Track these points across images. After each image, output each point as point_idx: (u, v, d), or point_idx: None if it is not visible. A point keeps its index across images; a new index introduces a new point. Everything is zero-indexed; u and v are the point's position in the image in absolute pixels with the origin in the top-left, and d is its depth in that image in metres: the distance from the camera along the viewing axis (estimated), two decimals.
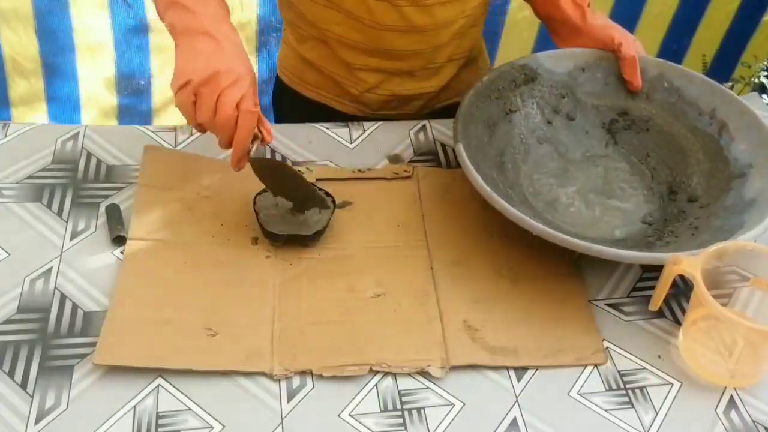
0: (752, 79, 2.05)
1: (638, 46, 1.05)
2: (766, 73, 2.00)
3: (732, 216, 0.89)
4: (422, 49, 1.05)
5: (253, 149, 0.85)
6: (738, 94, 1.05)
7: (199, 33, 0.82)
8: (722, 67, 2.07)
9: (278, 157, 1.01)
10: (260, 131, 0.85)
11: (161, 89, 1.79)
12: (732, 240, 0.82)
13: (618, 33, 1.05)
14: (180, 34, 0.83)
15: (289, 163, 1.00)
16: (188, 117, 0.83)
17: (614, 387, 0.80)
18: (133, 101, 1.79)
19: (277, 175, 0.89)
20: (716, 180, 0.96)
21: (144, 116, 1.81)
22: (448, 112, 1.05)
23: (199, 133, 1.01)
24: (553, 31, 1.13)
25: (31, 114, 1.76)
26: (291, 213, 0.90)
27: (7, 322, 0.79)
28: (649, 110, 1.04)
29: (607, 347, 0.84)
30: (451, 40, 1.07)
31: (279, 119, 1.26)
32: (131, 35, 1.69)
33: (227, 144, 0.84)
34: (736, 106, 0.99)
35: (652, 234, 0.92)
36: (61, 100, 1.75)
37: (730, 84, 2.08)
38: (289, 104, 1.20)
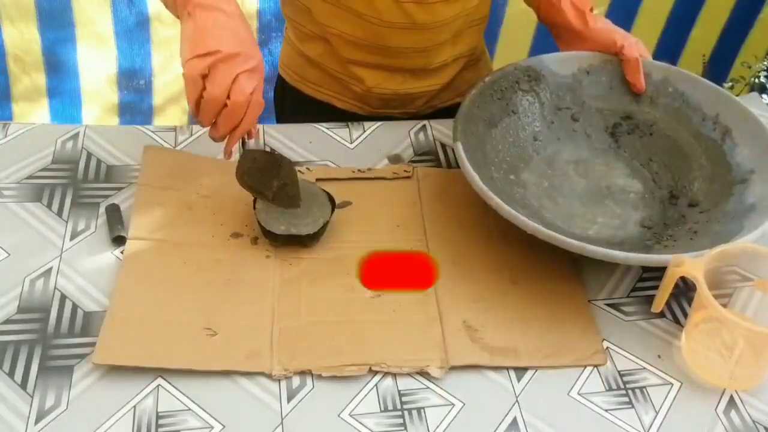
0: (752, 79, 2.04)
1: (642, 49, 1.05)
2: (766, 73, 2.00)
3: (731, 221, 0.89)
4: (422, 47, 1.05)
5: (250, 143, 0.83)
6: (738, 95, 1.05)
7: (214, 9, 0.79)
8: (720, 65, 2.06)
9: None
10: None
11: (163, 87, 1.78)
12: (729, 244, 0.82)
13: (620, 35, 1.04)
14: (196, 6, 0.79)
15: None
16: (192, 91, 0.77)
17: (614, 387, 0.80)
18: (134, 98, 1.79)
19: (268, 170, 0.86)
20: (718, 185, 0.95)
21: (145, 114, 1.81)
22: (449, 112, 1.05)
23: (198, 130, 1.02)
24: (557, 36, 1.13)
25: (33, 110, 1.75)
26: (290, 212, 0.89)
27: (7, 322, 0.79)
28: (653, 114, 1.04)
29: (607, 347, 0.84)
30: (450, 39, 1.07)
31: (280, 117, 1.26)
32: (133, 31, 1.69)
33: (227, 131, 0.80)
34: (740, 112, 0.98)
35: (650, 237, 0.91)
36: (63, 96, 1.75)
37: (729, 84, 2.07)
38: (291, 102, 1.21)
